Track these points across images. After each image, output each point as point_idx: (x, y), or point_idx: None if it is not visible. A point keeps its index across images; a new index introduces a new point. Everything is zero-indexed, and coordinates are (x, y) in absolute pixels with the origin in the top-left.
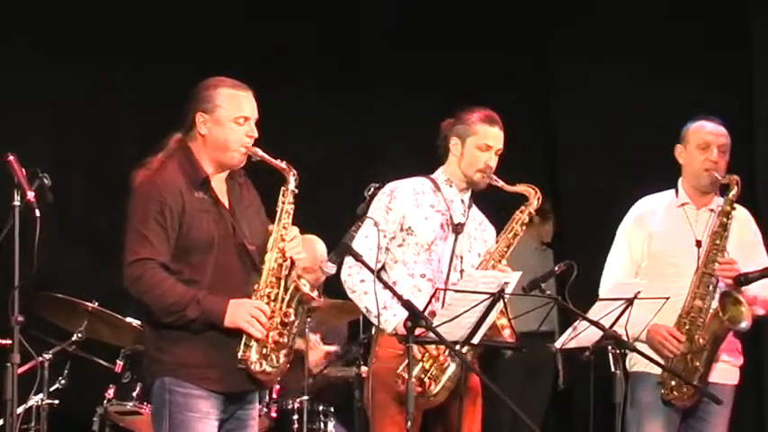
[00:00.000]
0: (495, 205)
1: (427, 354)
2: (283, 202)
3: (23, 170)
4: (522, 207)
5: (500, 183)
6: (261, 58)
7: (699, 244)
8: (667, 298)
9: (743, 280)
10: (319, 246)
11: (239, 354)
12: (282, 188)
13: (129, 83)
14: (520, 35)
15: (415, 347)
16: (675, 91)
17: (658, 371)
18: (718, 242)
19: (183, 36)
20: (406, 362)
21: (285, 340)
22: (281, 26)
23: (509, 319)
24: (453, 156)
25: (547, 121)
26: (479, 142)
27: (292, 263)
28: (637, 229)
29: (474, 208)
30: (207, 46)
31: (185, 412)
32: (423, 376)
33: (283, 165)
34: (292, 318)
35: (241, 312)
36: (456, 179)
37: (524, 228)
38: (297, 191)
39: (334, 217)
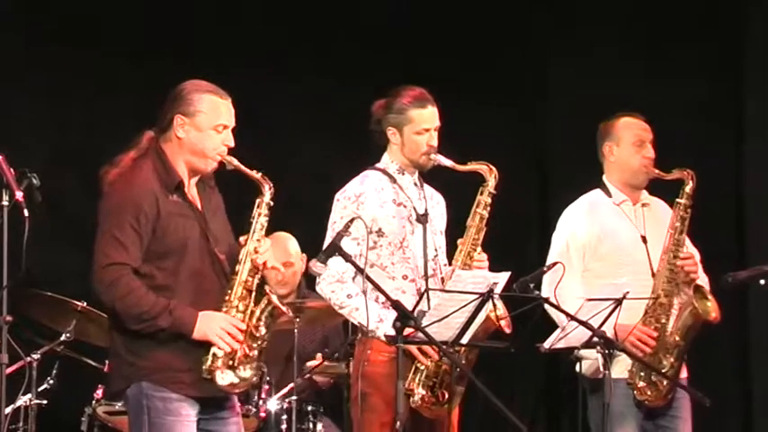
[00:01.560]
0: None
1: (431, 362)
2: (258, 215)
3: (12, 170)
4: (481, 188)
5: (449, 163)
6: (255, 58)
7: (644, 240)
8: (656, 297)
9: (731, 281)
10: (291, 242)
11: (206, 365)
12: (257, 200)
13: (125, 82)
14: (511, 34)
15: (420, 356)
16: (666, 91)
17: (625, 375)
18: (678, 238)
19: (180, 36)
20: (412, 373)
21: (254, 354)
22: (275, 26)
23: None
24: (395, 144)
25: (537, 122)
26: (417, 128)
27: (262, 277)
28: (583, 233)
29: (425, 186)
30: (204, 46)
31: (164, 416)
32: (433, 385)
33: (258, 176)
34: (263, 331)
35: (213, 326)
36: (405, 165)
37: (489, 209)
38: (272, 203)
39: (324, 217)
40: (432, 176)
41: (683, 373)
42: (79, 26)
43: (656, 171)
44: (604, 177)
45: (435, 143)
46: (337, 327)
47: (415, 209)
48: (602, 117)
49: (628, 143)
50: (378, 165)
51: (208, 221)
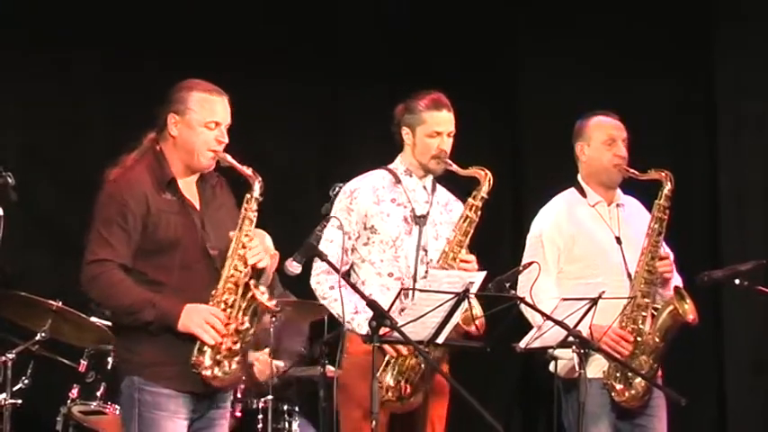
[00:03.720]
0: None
1: (401, 357)
2: (246, 209)
3: None
4: (474, 192)
5: (454, 167)
6: (230, 58)
7: (619, 241)
8: (633, 298)
9: (707, 280)
10: (267, 239)
11: (193, 358)
12: (246, 195)
13: (100, 83)
14: (485, 35)
15: (389, 348)
16: (639, 90)
17: (600, 375)
18: (656, 239)
19: (155, 36)
20: (383, 366)
21: (239, 348)
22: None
23: (471, 316)
24: (408, 145)
25: (511, 122)
26: (429, 130)
27: (254, 270)
28: (557, 234)
29: (439, 190)
30: (180, 46)
31: (154, 411)
32: (400, 379)
33: (249, 171)
34: (247, 326)
35: (195, 318)
36: (414, 167)
37: (479, 213)
38: (261, 198)
39: (299, 216)
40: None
41: (658, 373)
42: (51, 24)
43: (630, 170)
44: (579, 177)
45: (447, 148)
46: (301, 327)
47: (414, 210)
48: (577, 117)
49: (599, 142)
50: (390, 165)
51: (204, 219)
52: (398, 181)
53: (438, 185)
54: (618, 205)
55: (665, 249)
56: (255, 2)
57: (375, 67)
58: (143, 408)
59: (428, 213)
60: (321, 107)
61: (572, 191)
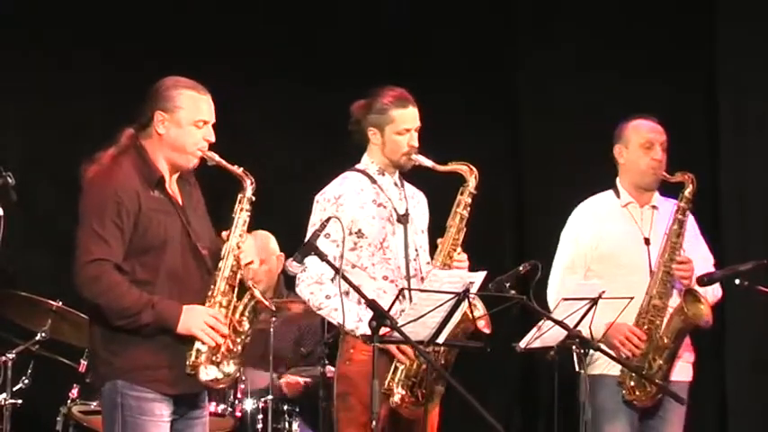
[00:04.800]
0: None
1: (409, 362)
2: (240, 210)
3: None
4: (462, 188)
5: (430, 163)
6: (230, 58)
7: (647, 242)
8: (632, 298)
9: (706, 280)
10: (272, 241)
11: (190, 360)
12: (239, 195)
13: (100, 82)
14: (485, 34)
15: (399, 355)
16: (640, 91)
17: (617, 372)
18: (675, 240)
19: (155, 36)
20: (391, 372)
21: (237, 349)
22: (252, 25)
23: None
24: (375, 145)
25: (513, 121)
26: (398, 128)
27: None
28: (585, 233)
29: (405, 184)
30: (180, 46)
31: (138, 415)
32: (413, 386)
33: (240, 171)
34: (246, 326)
35: (196, 320)
36: (385, 166)
37: (469, 209)
38: (254, 198)
39: (299, 217)
40: (413, 176)
41: (689, 377)
42: (50, 24)
43: (666, 174)
44: (617, 179)
45: (416, 143)
46: (313, 326)
47: (395, 209)
48: (577, 117)
49: (635, 145)
50: (357, 166)
51: (189, 217)
52: (374, 181)
53: (404, 181)
54: (653, 207)
55: (682, 253)
56: (256, 2)
57: (375, 67)
58: (127, 412)
59: (407, 210)
60: (321, 107)
61: (609, 192)
